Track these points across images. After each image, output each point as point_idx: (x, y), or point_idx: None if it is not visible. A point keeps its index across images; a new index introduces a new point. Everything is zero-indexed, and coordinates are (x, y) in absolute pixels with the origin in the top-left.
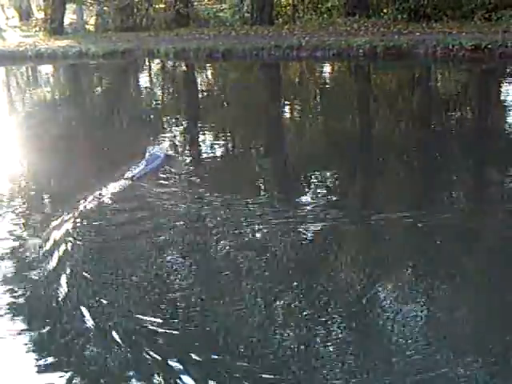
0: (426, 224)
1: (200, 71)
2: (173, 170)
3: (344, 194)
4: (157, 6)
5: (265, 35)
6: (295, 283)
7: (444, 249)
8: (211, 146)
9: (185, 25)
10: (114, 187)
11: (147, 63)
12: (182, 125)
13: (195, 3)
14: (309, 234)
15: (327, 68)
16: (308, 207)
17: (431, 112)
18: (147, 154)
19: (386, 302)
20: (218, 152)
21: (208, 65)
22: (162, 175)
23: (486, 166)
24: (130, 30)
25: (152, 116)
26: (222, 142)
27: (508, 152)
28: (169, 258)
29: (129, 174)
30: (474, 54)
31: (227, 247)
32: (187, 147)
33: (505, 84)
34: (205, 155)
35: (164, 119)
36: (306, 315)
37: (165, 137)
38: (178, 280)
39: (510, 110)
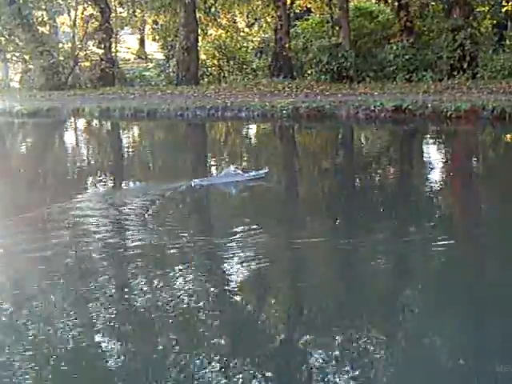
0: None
1: (124, 131)
2: None
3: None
4: (82, 65)
5: (190, 95)
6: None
7: None
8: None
9: (110, 84)
10: None
11: (72, 122)
12: (103, 184)
13: (121, 62)
14: None
15: (251, 129)
16: None
17: (353, 171)
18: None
19: None
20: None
21: (132, 124)
22: None
23: (397, 217)
24: (56, 88)
25: (72, 175)
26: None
27: (415, 208)
28: None
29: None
30: (396, 115)
31: None
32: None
33: (425, 144)
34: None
35: (84, 178)
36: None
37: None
38: None
39: (429, 169)
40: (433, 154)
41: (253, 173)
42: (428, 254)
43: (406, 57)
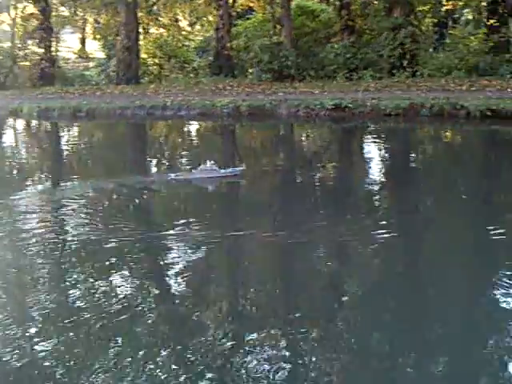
0: None
1: (62, 130)
2: None
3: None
4: (21, 64)
5: (130, 94)
6: None
7: None
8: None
9: (50, 83)
10: None
11: (10, 122)
12: (42, 183)
13: (61, 62)
14: None
15: (191, 127)
16: None
17: (294, 168)
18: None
19: None
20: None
21: (71, 124)
22: None
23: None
24: None
25: (9, 174)
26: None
27: (353, 201)
28: None
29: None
30: (336, 113)
31: None
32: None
33: (364, 141)
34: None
35: (22, 177)
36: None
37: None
38: None
39: (367, 165)
40: (371, 151)
41: (229, 169)
42: (360, 248)
43: (347, 56)
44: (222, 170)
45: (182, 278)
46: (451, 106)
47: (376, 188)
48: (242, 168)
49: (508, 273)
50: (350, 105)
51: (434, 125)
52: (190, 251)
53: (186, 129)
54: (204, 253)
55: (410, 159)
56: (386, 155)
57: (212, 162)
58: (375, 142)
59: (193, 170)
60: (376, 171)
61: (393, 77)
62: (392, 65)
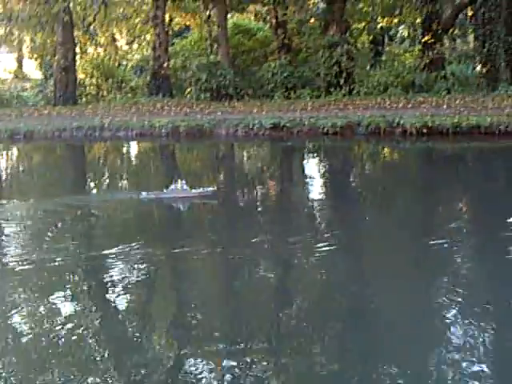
0: None
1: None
2: None
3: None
4: None
5: (68, 115)
6: None
7: None
8: None
9: None
10: None
11: None
12: None
13: None
14: None
15: (129, 148)
16: None
17: (235, 187)
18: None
19: None
20: None
21: (8, 147)
22: None
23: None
24: None
25: None
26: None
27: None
28: None
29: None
30: (274, 133)
31: None
32: None
33: (302, 160)
34: None
35: None
36: None
37: None
38: None
39: (305, 183)
40: (310, 169)
41: (199, 190)
42: (301, 262)
43: (284, 74)
44: (193, 190)
45: (122, 297)
46: (387, 123)
47: (316, 204)
48: (212, 188)
49: (444, 280)
50: (288, 124)
51: (371, 143)
52: (131, 269)
53: (124, 150)
54: (146, 271)
55: (349, 177)
56: (325, 173)
57: (183, 181)
58: (314, 161)
59: (164, 190)
60: (316, 189)
61: (330, 95)
62: (329, 83)
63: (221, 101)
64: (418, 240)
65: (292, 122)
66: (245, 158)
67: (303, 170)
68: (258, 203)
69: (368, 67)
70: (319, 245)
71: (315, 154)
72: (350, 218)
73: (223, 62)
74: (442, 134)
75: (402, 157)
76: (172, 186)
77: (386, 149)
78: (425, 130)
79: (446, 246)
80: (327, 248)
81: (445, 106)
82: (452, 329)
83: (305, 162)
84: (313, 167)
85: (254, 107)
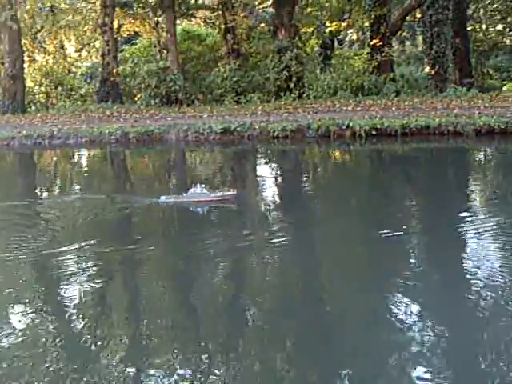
0: None
1: None
2: None
3: None
4: None
5: (17, 124)
6: None
7: None
8: None
9: None
10: None
11: None
12: None
13: None
14: None
15: (78, 156)
16: None
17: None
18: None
19: None
20: None
21: None
22: None
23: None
24: None
25: None
26: None
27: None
28: None
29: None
30: (225, 137)
31: None
32: None
33: (254, 164)
34: None
35: None
36: None
37: None
38: None
39: (260, 187)
40: (261, 172)
41: (219, 193)
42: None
43: (234, 79)
44: (212, 194)
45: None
46: (337, 126)
47: (270, 206)
48: (232, 193)
49: (394, 276)
50: (238, 128)
51: (321, 146)
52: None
53: (73, 157)
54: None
55: (301, 179)
56: (277, 176)
57: (202, 185)
58: (265, 165)
59: (183, 194)
60: (269, 192)
61: (280, 99)
62: (279, 87)
63: (171, 106)
64: (368, 236)
65: (242, 126)
66: (196, 163)
67: (255, 174)
68: (212, 207)
69: (317, 71)
70: (272, 245)
71: (266, 158)
72: (303, 219)
73: (173, 68)
74: (391, 135)
75: (352, 158)
76: (191, 190)
77: (336, 151)
78: (374, 132)
79: (395, 241)
80: (280, 248)
81: (394, 108)
82: (401, 324)
83: (256, 165)
84: (265, 171)
85: (205, 112)
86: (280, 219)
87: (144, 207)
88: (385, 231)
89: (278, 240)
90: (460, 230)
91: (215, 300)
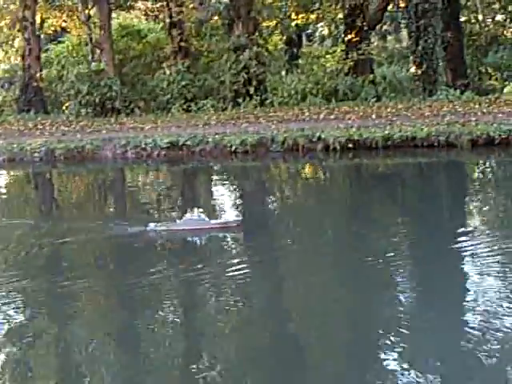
0: None
1: None
2: None
3: None
4: None
5: None
6: None
7: None
8: None
9: None
10: None
11: None
12: None
13: None
14: None
15: None
16: None
17: (127, 220)
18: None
19: None
20: None
21: None
22: None
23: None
24: None
25: None
26: None
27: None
28: None
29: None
30: (172, 153)
31: None
32: None
33: (208, 186)
34: None
35: None
36: None
37: None
38: None
39: (215, 214)
40: (216, 196)
41: (221, 220)
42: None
43: (183, 83)
44: (213, 221)
45: None
46: (307, 138)
47: (228, 235)
48: (238, 218)
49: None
50: (188, 142)
51: (288, 161)
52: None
53: None
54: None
55: (264, 203)
56: (236, 200)
57: (200, 210)
58: (221, 186)
59: (177, 221)
60: (228, 217)
61: (238, 107)
62: (236, 93)
63: (106, 116)
64: (348, 264)
65: (193, 139)
66: (137, 185)
67: (210, 198)
68: (160, 238)
69: (282, 73)
70: (231, 274)
71: (223, 178)
72: (267, 251)
73: (108, 71)
74: (371, 148)
75: (326, 177)
76: (187, 216)
77: (305, 168)
78: (351, 145)
79: (377, 272)
80: (241, 277)
81: (374, 116)
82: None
83: (211, 187)
84: (221, 193)
85: (147, 123)
86: (238, 251)
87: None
88: (367, 259)
89: (232, 274)
90: (454, 261)
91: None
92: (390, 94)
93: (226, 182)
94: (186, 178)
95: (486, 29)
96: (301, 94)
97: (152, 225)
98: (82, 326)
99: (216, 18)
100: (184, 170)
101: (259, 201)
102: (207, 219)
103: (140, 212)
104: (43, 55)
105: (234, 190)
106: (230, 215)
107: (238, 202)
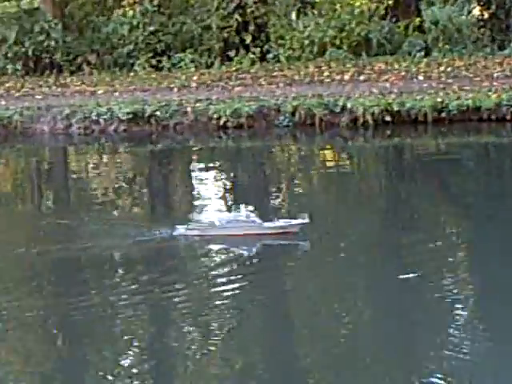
0: None
1: None
2: None
3: None
4: None
5: None
6: None
7: None
8: None
9: None
10: None
11: None
12: None
13: None
14: None
15: None
16: None
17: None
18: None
19: None
20: None
21: None
22: None
23: None
24: None
25: None
26: None
27: None
28: None
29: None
30: (135, 128)
31: None
32: None
33: (186, 176)
34: None
35: None
36: None
37: None
38: None
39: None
40: (197, 192)
41: (279, 223)
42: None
43: (151, 29)
44: (266, 224)
45: None
46: (326, 108)
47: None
48: (303, 221)
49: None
50: (158, 113)
51: (299, 141)
52: None
53: None
54: None
55: (270, 198)
56: (225, 195)
57: (249, 208)
58: (205, 175)
59: (216, 222)
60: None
61: (229, 63)
62: (226, 43)
63: (42, 75)
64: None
65: (165, 109)
66: (83, 175)
67: (187, 194)
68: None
69: (292, 15)
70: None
71: (206, 164)
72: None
73: (45, 10)
74: (417, 122)
75: (352, 163)
76: (230, 215)
77: (325, 151)
78: (388, 118)
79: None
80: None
81: (421, 77)
82: None
83: (189, 178)
84: (203, 188)
85: (100, 85)
86: (226, 268)
87: None
88: (408, 274)
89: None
90: None
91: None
92: (444, 45)
93: (212, 170)
94: (155, 163)
95: None
96: (318, 45)
97: (181, 228)
98: None
99: None
100: (152, 152)
101: (262, 197)
102: (259, 221)
103: (85, 214)
104: None
105: (222, 183)
106: (290, 217)
107: (229, 198)
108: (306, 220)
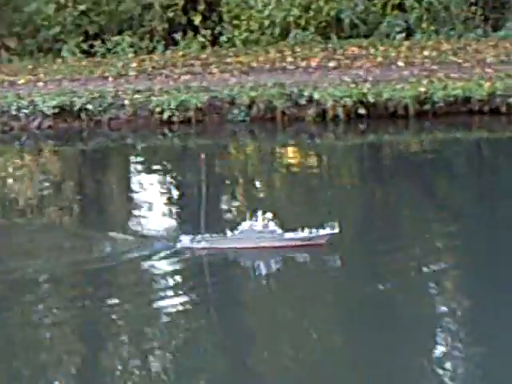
0: None
1: None
2: None
3: None
4: None
5: None
6: None
7: None
8: None
9: None
10: None
11: None
12: None
13: None
14: None
15: None
16: None
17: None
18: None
19: None
20: None
21: None
22: None
23: None
24: None
25: None
26: None
27: None
28: None
29: None
30: (63, 124)
31: None
32: None
33: (125, 179)
34: None
35: None
36: None
37: None
38: None
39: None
40: (138, 199)
41: (303, 234)
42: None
43: (81, 8)
44: (288, 234)
45: None
46: (289, 100)
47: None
48: (331, 231)
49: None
50: (89, 106)
51: (258, 138)
52: None
53: None
54: None
55: (221, 206)
56: (170, 202)
57: (267, 216)
58: (146, 179)
59: (234, 232)
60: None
61: (175, 47)
62: (172, 23)
63: None
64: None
65: (98, 101)
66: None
67: (127, 203)
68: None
69: None
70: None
71: (148, 166)
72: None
73: None
74: (397, 116)
75: (320, 164)
76: (244, 226)
77: (288, 150)
78: (362, 111)
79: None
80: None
81: (401, 64)
82: None
83: (128, 183)
84: (144, 194)
85: (21, 74)
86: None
87: None
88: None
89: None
90: None
91: None
92: (429, 26)
93: (154, 174)
94: (86, 165)
95: None
96: (280, 26)
97: (186, 238)
98: None
99: None
100: (82, 152)
101: (214, 203)
102: (280, 231)
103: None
104: None
105: (166, 186)
106: (317, 227)
107: (173, 207)
108: (336, 230)
